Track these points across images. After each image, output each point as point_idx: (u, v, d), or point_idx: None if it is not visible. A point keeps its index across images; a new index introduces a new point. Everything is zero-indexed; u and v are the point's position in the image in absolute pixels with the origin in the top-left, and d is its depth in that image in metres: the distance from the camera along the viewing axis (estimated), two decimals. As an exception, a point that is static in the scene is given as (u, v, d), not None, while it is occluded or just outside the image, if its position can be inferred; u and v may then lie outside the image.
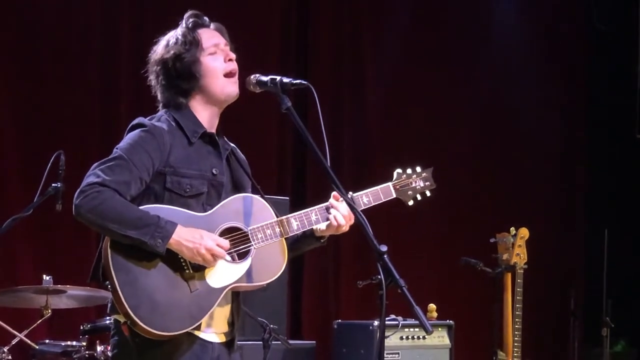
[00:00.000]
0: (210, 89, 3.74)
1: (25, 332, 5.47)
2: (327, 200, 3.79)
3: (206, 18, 3.82)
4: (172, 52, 3.71)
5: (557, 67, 8.92)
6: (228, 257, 3.62)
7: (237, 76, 3.76)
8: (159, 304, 3.49)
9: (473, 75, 8.54)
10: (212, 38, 3.77)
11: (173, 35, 3.75)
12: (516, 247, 6.23)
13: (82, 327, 5.57)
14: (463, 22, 8.52)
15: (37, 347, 5.54)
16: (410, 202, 3.99)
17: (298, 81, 3.65)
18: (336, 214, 3.74)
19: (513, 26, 8.76)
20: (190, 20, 3.78)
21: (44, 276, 5.38)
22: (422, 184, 4.01)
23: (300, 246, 3.88)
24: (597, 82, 8.94)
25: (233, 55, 3.77)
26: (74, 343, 5.56)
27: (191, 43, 3.71)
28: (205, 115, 3.75)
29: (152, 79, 3.78)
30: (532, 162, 8.74)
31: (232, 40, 3.85)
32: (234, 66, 3.76)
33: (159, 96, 3.78)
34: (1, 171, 6.57)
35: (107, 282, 3.52)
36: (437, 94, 8.34)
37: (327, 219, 3.76)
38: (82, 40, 6.88)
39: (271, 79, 3.64)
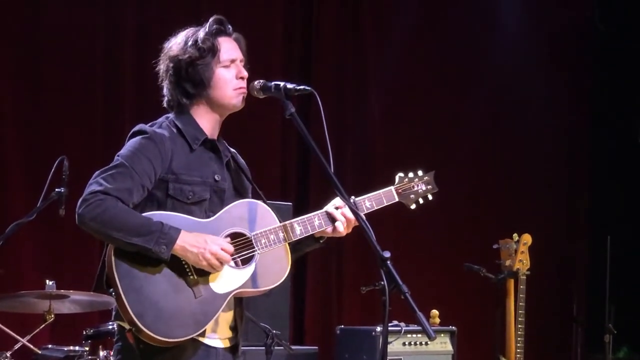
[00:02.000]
0: (215, 99, 3.73)
1: (28, 337, 5.46)
2: (330, 205, 3.79)
3: (230, 26, 3.79)
4: (187, 54, 3.69)
5: (560, 70, 8.91)
6: (232, 263, 3.62)
7: (245, 93, 3.76)
8: (163, 311, 3.49)
9: (476, 79, 8.53)
10: (230, 51, 3.74)
11: (193, 36, 3.73)
12: (519, 253, 6.22)
13: (84, 332, 5.56)
14: (466, 27, 8.52)
15: (39, 352, 5.53)
16: (413, 206, 3.97)
17: (302, 87, 3.66)
18: (343, 211, 3.72)
19: (515, 30, 8.75)
20: (214, 26, 3.74)
21: (47, 281, 5.36)
22: (424, 188, 4.00)
23: (301, 248, 3.87)
24: (600, 86, 8.93)
25: (245, 74, 3.76)
26: (77, 348, 5.54)
27: (209, 50, 3.69)
28: (208, 122, 3.75)
29: (162, 69, 3.76)
30: (535, 168, 8.74)
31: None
32: (243, 84, 3.74)
33: (164, 89, 3.77)
34: (4, 176, 6.56)
35: (112, 289, 3.52)
36: (440, 99, 8.34)
37: (330, 223, 3.74)
38: (85, 44, 6.87)
39: (275, 84, 3.66)
